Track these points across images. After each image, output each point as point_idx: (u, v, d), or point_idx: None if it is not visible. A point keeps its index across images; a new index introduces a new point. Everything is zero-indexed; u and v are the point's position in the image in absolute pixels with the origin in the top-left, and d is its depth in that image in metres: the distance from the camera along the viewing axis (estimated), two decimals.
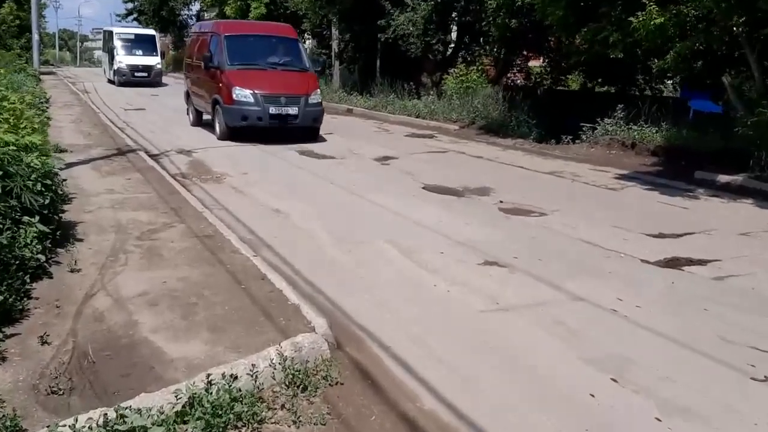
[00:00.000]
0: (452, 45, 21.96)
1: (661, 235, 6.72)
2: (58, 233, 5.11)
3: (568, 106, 16.16)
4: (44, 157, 5.26)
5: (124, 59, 29.54)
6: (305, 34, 28.97)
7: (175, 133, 13.98)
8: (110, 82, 30.88)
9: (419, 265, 5.53)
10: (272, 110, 12.55)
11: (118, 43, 30.33)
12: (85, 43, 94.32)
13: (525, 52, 20.29)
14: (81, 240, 5.38)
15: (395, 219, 7.16)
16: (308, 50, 30.55)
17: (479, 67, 19.06)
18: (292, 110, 12.69)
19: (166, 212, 6.52)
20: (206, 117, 14.57)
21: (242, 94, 12.54)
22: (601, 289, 5.01)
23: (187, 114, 15.82)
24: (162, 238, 5.59)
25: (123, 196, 7.19)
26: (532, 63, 22.03)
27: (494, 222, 7.19)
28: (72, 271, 4.62)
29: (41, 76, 28.20)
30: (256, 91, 12.55)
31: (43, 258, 4.41)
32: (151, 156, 10.65)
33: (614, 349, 4.00)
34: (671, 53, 10.06)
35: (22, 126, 5.44)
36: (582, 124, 13.09)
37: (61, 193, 5.87)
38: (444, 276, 5.25)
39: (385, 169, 10.43)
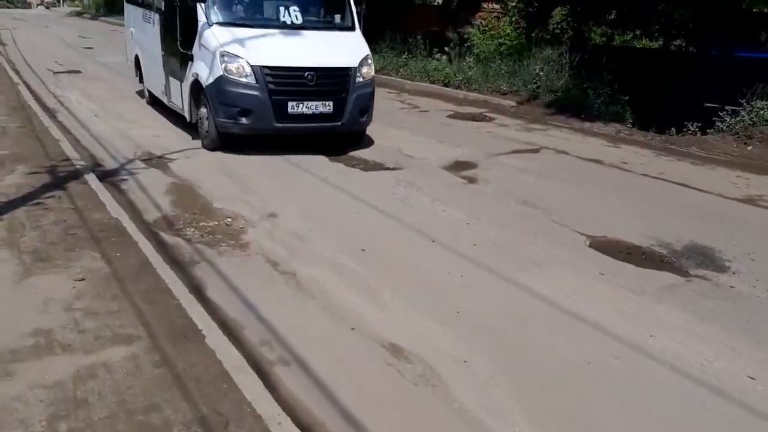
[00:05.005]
0: None
1: None
2: None
3: (644, 72, 12.50)
4: None
5: (247, 51, 7.27)
6: None
7: (129, 117, 9.80)
8: (171, 111, 9.38)
9: None
10: None
11: None
12: None
13: None
14: None
15: (635, 366, 3.51)
16: None
17: (512, 18, 15.08)
18: None
19: None
20: None
21: None
22: None
23: None
24: None
25: (77, 362, 3.18)
26: None
27: None
28: None
29: None
30: None
31: None
32: (106, 178, 6.58)
33: None
34: None
35: None
36: (709, 104, 9.56)
37: None
38: None
39: (481, 195, 6.66)
